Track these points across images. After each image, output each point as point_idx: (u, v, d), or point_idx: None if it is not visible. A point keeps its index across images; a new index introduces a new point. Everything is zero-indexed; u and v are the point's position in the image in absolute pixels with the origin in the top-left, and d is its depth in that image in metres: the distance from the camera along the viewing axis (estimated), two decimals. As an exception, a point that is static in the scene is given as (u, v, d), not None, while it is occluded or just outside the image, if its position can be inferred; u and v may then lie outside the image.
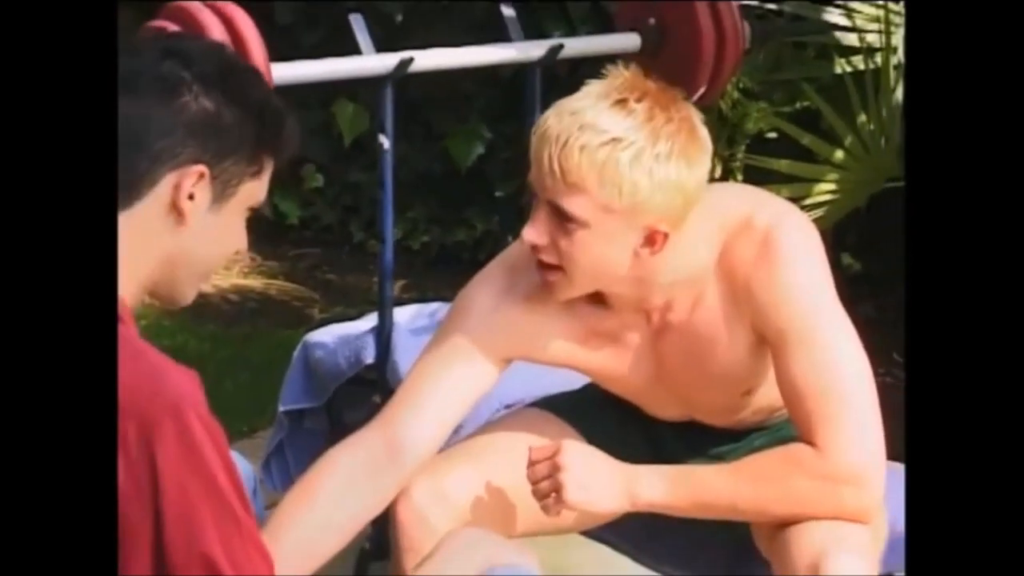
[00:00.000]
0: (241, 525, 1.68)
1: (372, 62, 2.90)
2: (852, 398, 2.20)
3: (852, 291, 4.50)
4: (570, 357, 2.34)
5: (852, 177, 3.97)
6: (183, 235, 1.76)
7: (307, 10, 5.09)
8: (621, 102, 2.09)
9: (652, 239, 2.14)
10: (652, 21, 3.03)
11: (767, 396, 2.34)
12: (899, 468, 2.70)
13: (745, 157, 4.35)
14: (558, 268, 2.17)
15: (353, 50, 2.93)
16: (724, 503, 2.23)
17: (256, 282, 5.16)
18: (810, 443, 2.19)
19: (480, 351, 2.29)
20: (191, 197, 1.74)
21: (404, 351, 2.92)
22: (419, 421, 2.27)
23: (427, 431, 2.27)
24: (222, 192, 1.77)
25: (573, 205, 2.09)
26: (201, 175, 1.74)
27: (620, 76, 2.13)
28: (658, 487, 2.21)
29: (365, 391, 2.98)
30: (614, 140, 2.07)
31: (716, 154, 4.35)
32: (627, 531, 2.48)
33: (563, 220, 2.11)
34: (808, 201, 3.97)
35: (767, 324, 2.23)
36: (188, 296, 1.85)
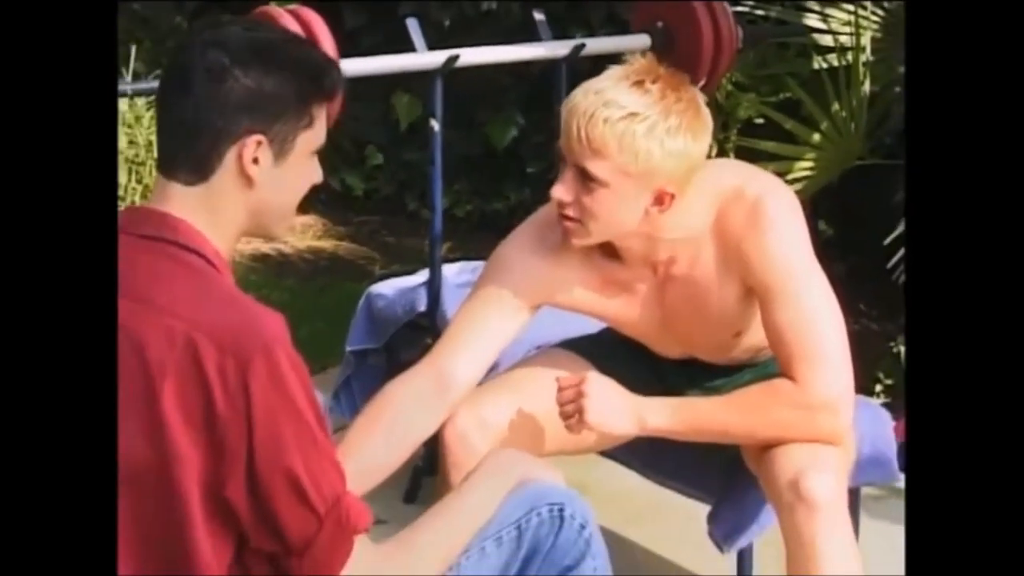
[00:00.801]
0: (319, 445, 1.67)
1: (425, 58, 2.90)
2: (826, 340, 2.19)
3: (826, 252, 4.48)
4: (589, 303, 2.33)
5: (827, 156, 3.95)
6: (257, 192, 1.74)
7: (371, 16, 5.07)
8: (639, 83, 2.09)
9: (660, 199, 2.14)
10: (660, 24, 3.03)
11: (754, 337, 2.33)
12: (865, 400, 2.71)
13: (737, 139, 4.33)
14: (579, 221, 2.17)
15: (408, 49, 2.93)
16: (717, 429, 2.24)
17: (327, 244, 5.16)
18: (791, 378, 2.19)
19: (513, 298, 2.29)
20: (255, 161, 1.71)
21: (450, 301, 2.92)
22: (463, 358, 2.27)
23: (469, 367, 2.27)
24: (281, 149, 1.73)
25: (596, 168, 2.09)
26: (259, 143, 1.71)
27: (638, 62, 2.14)
28: (662, 415, 2.22)
29: (418, 334, 2.99)
30: (632, 114, 2.07)
31: (712, 136, 4.37)
32: (636, 451, 2.49)
33: (587, 180, 2.11)
34: (790, 176, 3.95)
35: (755, 279, 2.22)
36: (282, 232, 1.84)
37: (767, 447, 2.23)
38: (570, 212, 2.16)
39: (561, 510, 1.88)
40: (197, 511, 1.65)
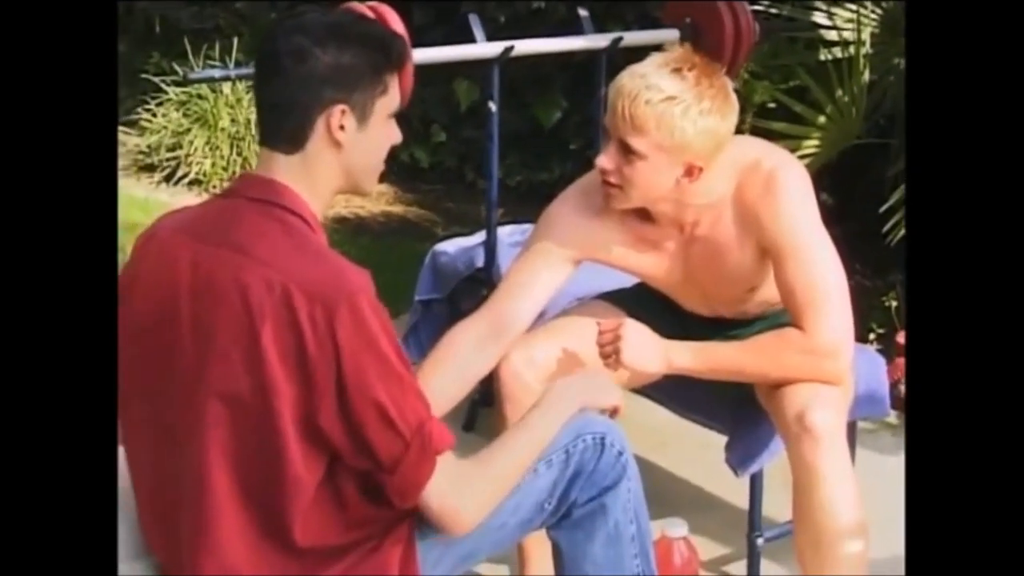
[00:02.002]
0: (402, 378, 1.69)
1: (484, 49, 2.88)
2: (830, 294, 2.18)
3: (825, 218, 4.46)
4: (624, 259, 2.32)
5: (830, 136, 3.92)
6: (345, 154, 1.75)
7: (436, 14, 5.05)
8: (677, 70, 2.08)
9: (690, 171, 2.13)
10: (688, 20, 2.99)
11: (767, 292, 2.31)
12: (861, 347, 2.69)
13: (752, 121, 4.27)
14: (619, 187, 2.16)
15: (469, 41, 2.90)
16: (734, 369, 2.24)
17: (398, 209, 5.16)
18: (799, 327, 2.17)
19: (559, 252, 2.28)
20: (342, 128, 1.73)
21: (504, 258, 2.91)
22: (515, 306, 2.27)
23: (522, 313, 2.27)
24: (363, 114, 1.74)
25: (636, 142, 2.09)
26: (343, 111, 1.72)
27: (677, 51, 2.15)
28: (686, 356, 2.22)
29: (476, 286, 2.98)
30: (670, 97, 2.07)
31: (734, 117, 4.33)
32: (663, 388, 2.47)
33: (628, 153, 2.11)
34: (798, 153, 3.91)
35: (768, 240, 2.20)
36: (370, 186, 1.84)
37: (777, 386, 2.22)
38: (612, 179, 2.16)
39: (603, 438, 1.89)
40: (291, 433, 1.66)
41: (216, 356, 1.68)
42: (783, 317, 2.28)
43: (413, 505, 1.72)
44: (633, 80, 2.09)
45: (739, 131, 4.24)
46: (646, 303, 2.42)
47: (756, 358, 2.21)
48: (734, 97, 2.15)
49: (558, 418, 1.89)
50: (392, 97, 1.78)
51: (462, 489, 1.75)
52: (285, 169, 1.74)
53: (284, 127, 1.73)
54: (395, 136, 1.82)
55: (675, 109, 2.06)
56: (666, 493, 2.81)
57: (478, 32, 2.88)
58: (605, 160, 2.14)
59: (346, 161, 1.76)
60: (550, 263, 2.29)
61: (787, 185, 2.19)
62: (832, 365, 2.19)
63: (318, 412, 1.65)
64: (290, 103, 1.72)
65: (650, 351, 2.20)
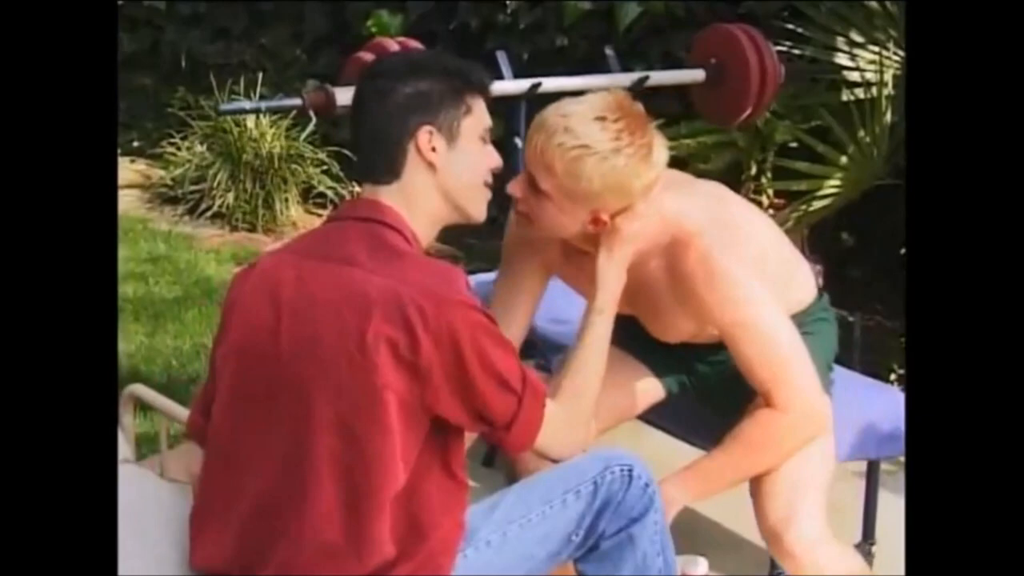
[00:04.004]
0: (507, 344, 1.82)
1: (511, 85, 2.90)
2: (790, 362, 2.12)
3: (846, 258, 4.48)
4: (573, 279, 2.27)
5: (852, 176, 3.93)
6: (441, 176, 1.86)
7: (461, 49, 5.09)
8: (601, 118, 1.97)
9: (596, 221, 2.04)
10: (714, 61, 3.00)
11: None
12: (882, 385, 2.69)
13: (774, 160, 4.31)
14: (526, 215, 2.09)
15: (497, 77, 2.93)
16: (729, 480, 2.18)
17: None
18: (769, 404, 2.12)
19: (528, 269, 2.27)
20: (433, 150, 1.84)
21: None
22: (505, 325, 2.17)
23: (514, 330, 2.23)
24: (450, 135, 1.86)
25: (542, 180, 2.00)
26: (430, 133, 1.84)
27: (610, 97, 2.01)
28: (682, 491, 2.13)
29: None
30: (584, 146, 1.95)
31: (751, 157, 4.36)
32: (681, 421, 2.51)
33: (535, 187, 2.03)
34: (819, 193, 3.94)
35: (713, 323, 2.14)
36: (477, 212, 1.93)
37: (756, 484, 2.19)
38: (520, 207, 2.09)
39: (630, 470, 1.91)
40: (396, 429, 1.74)
41: (319, 361, 1.76)
42: None
43: (529, 450, 1.86)
44: (555, 118, 1.98)
45: (760, 170, 4.36)
46: (634, 332, 2.35)
47: (746, 460, 2.15)
48: (658, 156, 2.01)
49: (606, 327, 2.00)
50: (479, 118, 1.89)
51: (566, 420, 1.89)
52: (387, 194, 1.87)
53: (379, 161, 1.86)
54: (494, 160, 1.92)
55: (587, 159, 1.95)
56: (687, 530, 2.79)
57: (505, 69, 2.91)
58: (515, 187, 2.06)
59: (443, 183, 1.86)
60: (525, 280, 2.27)
61: (726, 269, 2.09)
62: (814, 427, 2.16)
63: (437, 404, 1.75)
64: (380, 137, 1.85)
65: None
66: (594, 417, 2.12)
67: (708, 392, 2.42)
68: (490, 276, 3.14)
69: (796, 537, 2.15)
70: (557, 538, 1.88)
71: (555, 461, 1.95)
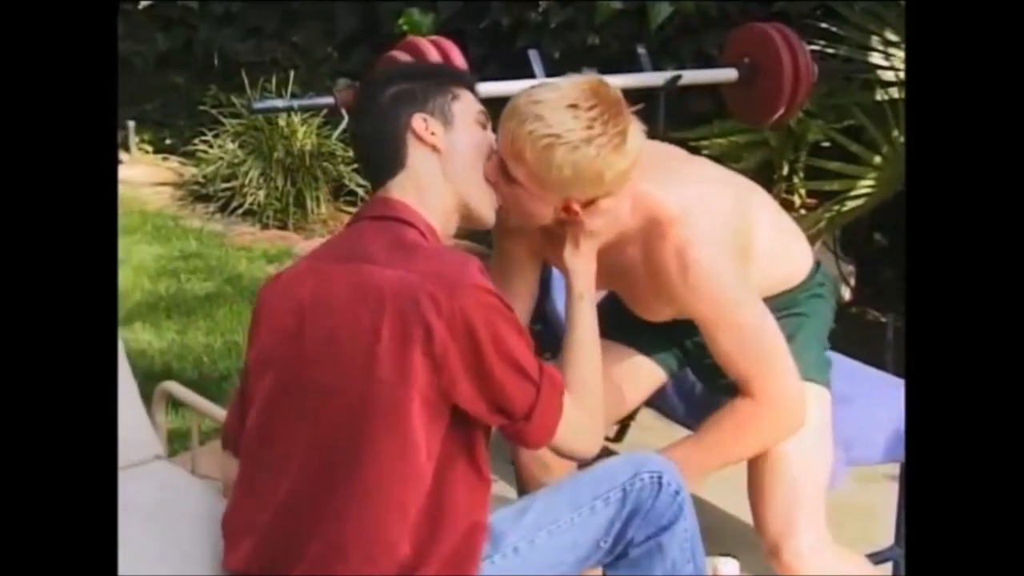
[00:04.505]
0: (524, 331, 1.81)
1: (544, 84, 2.89)
2: (770, 353, 2.08)
3: (879, 259, 4.46)
4: (556, 261, 2.19)
5: (885, 176, 3.91)
6: (447, 157, 1.91)
7: (491, 47, 5.10)
8: (573, 106, 1.90)
9: (568, 209, 1.99)
10: (747, 60, 2.98)
11: None
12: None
13: (807, 159, 4.29)
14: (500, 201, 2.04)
15: (529, 76, 2.93)
16: (702, 468, 2.12)
17: (448, 242, 5.19)
18: (748, 394, 2.09)
19: (519, 253, 2.24)
20: (432, 133, 1.88)
21: (558, 291, 2.92)
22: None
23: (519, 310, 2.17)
24: (444, 118, 1.90)
25: (514, 168, 1.94)
26: (424, 119, 1.88)
27: (584, 84, 1.94)
28: None
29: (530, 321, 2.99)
30: (555, 135, 1.89)
31: (783, 156, 4.34)
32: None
33: (507, 174, 1.98)
34: (852, 193, 3.92)
35: (690, 313, 2.10)
36: (485, 210, 1.95)
37: (751, 493, 2.19)
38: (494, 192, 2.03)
39: (660, 477, 1.89)
40: (417, 419, 1.73)
41: (336, 361, 1.77)
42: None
43: (547, 444, 1.84)
44: (527, 105, 1.92)
45: (793, 171, 4.33)
46: (624, 320, 2.33)
47: (720, 449, 2.12)
48: (632, 144, 1.94)
49: (592, 305, 2.00)
50: (468, 102, 1.94)
51: (580, 412, 1.87)
52: (397, 187, 1.90)
53: (383, 157, 1.90)
54: (489, 141, 1.94)
55: (557, 148, 1.89)
56: (717, 530, 2.79)
57: (538, 67, 2.90)
58: (489, 170, 1.97)
59: (448, 167, 1.90)
60: (514, 265, 2.24)
61: (701, 259, 2.04)
62: (792, 420, 2.13)
63: (454, 391, 1.74)
64: (378, 137, 1.90)
65: None
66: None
67: (706, 368, 2.37)
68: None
69: (795, 549, 2.14)
70: (586, 545, 1.88)
71: (571, 459, 1.93)
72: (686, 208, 2.07)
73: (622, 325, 2.33)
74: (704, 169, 2.27)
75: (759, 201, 2.28)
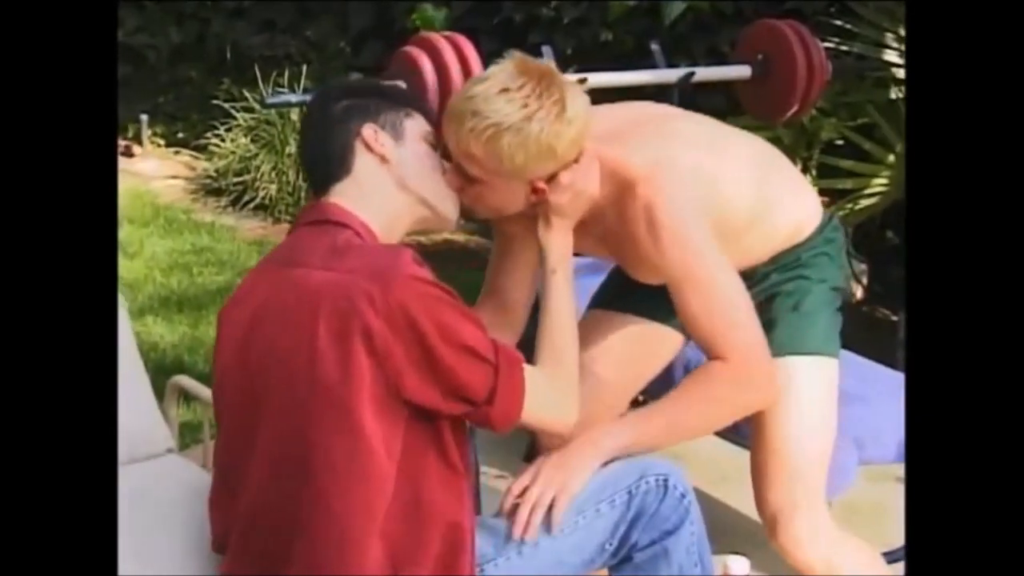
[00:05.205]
0: (469, 314, 1.77)
1: (557, 81, 2.88)
2: (736, 314, 2.02)
3: (892, 258, 4.45)
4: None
5: (899, 175, 3.90)
6: (395, 167, 1.89)
7: (504, 43, 5.09)
8: (504, 91, 1.89)
9: (535, 191, 1.98)
10: (760, 57, 2.98)
11: None
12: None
13: (820, 157, 4.28)
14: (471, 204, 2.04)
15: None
16: (674, 431, 2.06)
17: (460, 238, 5.22)
18: (717, 357, 2.02)
19: (514, 232, 2.19)
20: (382, 144, 1.88)
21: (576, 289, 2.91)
22: (514, 286, 2.20)
23: (520, 298, 2.20)
24: (395, 131, 1.90)
25: (469, 168, 1.94)
26: (375, 130, 1.88)
27: (510, 66, 1.93)
28: (620, 437, 1.99)
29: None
30: (495, 124, 1.88)
31: (796, 154, 4.33)
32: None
33: (466, 175, 1.96)
34: (866, 191, 3.91)
35: (662, 274, 2.06)
36: (445, 209, 1.94)
37: (752, 473, 2.18)
38: (462, 197, 2.03)
39: (666, 480, 1.88)
40: (368, 418, 1.70)
41: (277, 369, 1.75)
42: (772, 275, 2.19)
43: (516, 425, 1.80)
44: (461, 103, 1.92)
45: (806, 168, 4.33)
46: (627, 291, 2.31)
47: (685, 414, 2.03)
48: (574, 110, 1.92)
49: (567, 279, 1.97)
50: (419, 122, 1.94)
51: (551, 385, 1.84)
52: (337, 193, 1.88)
53: (329, 164, 1.88)
54: (440, 164, 1.93)
55: (502, 136, 1.88)
56: (727, 528, 2.80)
57: (551, 63, 2.89)
58: (451, 179, 1.98)
59: (398, 175, 1.89)
60: (520, 242, 2.19)
61: (667, 220, 2.01)
62: (759, 388, 2.06)
63: (402, 386, 1.70)
64: (327, 146, 1.89)
65: (580, 465, 1.94)
66: (602, 386, 2.12)
67: None
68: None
69: (794, 535, 2.13)
70: (591, 547, 1.87)
71: (545, 435, 1.90)
72: (652, 168, 2.04)
73: (628, 295, 2.31)
74: (681, 125, 2.22)
75: (751, 154, 2.24)
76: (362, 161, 1.87)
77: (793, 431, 2.15)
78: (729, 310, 2.02)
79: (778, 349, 2.13)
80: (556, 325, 1.92)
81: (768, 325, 2.15)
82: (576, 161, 1.97)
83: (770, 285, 2.23)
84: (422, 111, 1.97)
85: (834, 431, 2.21)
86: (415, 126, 1.92)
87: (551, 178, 1.97)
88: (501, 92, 1.89)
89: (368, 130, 1.87)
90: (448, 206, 1.93)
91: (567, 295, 1.96)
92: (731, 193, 2.13)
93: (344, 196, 1.86)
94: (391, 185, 1.88)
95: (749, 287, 2.15)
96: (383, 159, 1.87)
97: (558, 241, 2.02)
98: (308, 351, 1.71)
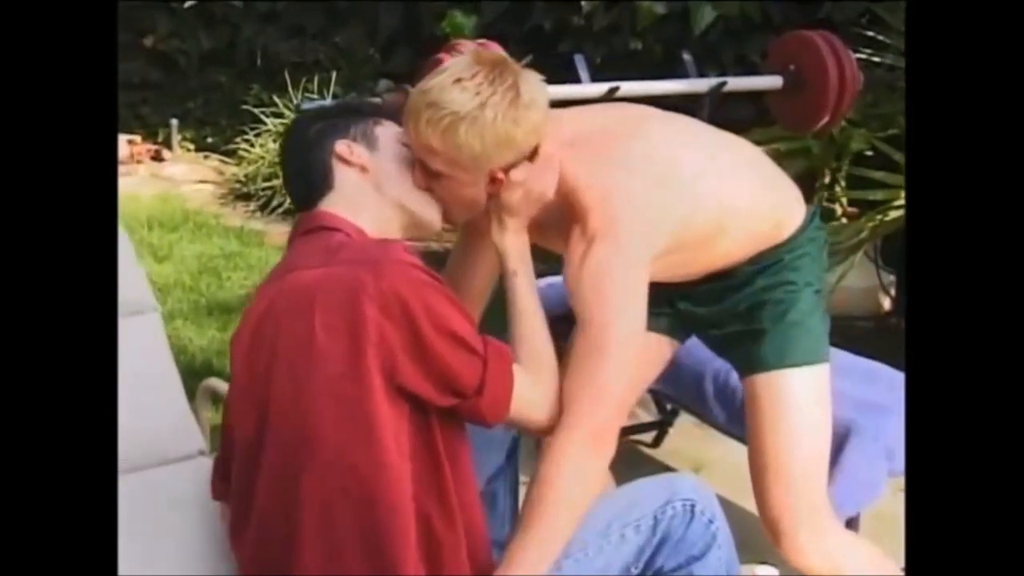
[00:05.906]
0: (458, 304, 1.78)
1: (590, 89, 2.89)
2: (608, 395, 1.90)
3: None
4: (542, 240, 2.14)
5: (928, 186, 3.88)
6: (374, 174, 1.93)
7: (534, 51, 5.11)
8: (458, 81, 1.89)
9: (493, 180, 1.96)
10: (792, 68, 2.98)
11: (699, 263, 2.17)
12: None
13: (849, 168, 4.27)
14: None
15: (574, 80, 2.94)
16: (560, 526, 1.86)
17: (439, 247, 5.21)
18: (567, 419, 1.88)
19: (477, 243, 2.21)
20: (358, 156, 1.92)
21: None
22: (469, 283, 2.22)
23: (476, 289, 2.22)
24: (368, 141, 1.94)
25: (431, 162, 1.94)
26: (347, 144, 1.93)
27: (465, 58, 1.94)
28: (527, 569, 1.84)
29: (569, 326, 2.99)
30: (451, 113, 1.87)
31: (826, 164, 4.32)
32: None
33: (429, 172, 1.95)
34: (896, 203, 3.90)
35: (573, 298, 1.97)
36: (429, 215, 1.95)
37: (752, 481, 2.16)
38: (433, 197, 2.00)
39: (692, 505, 1.87)
40: (380, 404, 1.71)
41: (280, 374, 1.75)
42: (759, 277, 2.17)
43: (506, 418, 1.79)
44: (418, 98, 1.92)
45: (834, 180, 4.32)
46: None
47: (553, 501, 1.85)
48: (529, 98, 1.90)
49: (528, 279, 1.95)
50: (390, 127, 1.97)
51: (534, 382, 1.83)
52: (325, 204, 1.92)
53: (311, 183, 1.93)
54: (416, 176, 1.94)
55: (458, 126, 1.88)
56: (755, 538, 2.80)
57: (583, 72, 2.91)
58: (417, 178, 1.97)
59: (378, 182, 1.92)
60: (474, 247, 2.21)
61: (601, 268, 1.93)
62: (602, 462, 1.90)
63: (396, 371, 1.70)
64: (306, 166, 1.94)
65: None
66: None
67: (711, 339, 2.33)
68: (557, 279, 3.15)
69: (797, 546, 2.12)
70: (616, 570, 1.85)
71: (528, 433, 1.87)
72: (604, 202, 1.98)
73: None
74: (655, 127, 2.17)
75: (730, 152, 2.21)
76: (342, 175, 1.92)
77: (787, 440, 2.14)
78: (604, 382, 1.90)
79: (769, 362, 2.14)
80: (528, 327, 1.90)
81: (757, 336, 2.16)
82: (531, 160, 1.97)
83: (755, 291, 2.20)
84: (392, 118, 1.99)
85: (829, 434, 2.20)
86: (386, 131, 1.96)
87: (509, 169, 1.96)
88: (455, 83, 1.89)
89: (341, 145, 1.92)
90: (428, 210, 1.95)
91: (532, 295, 1.94)
92: (707, 191, 2.09)
93: (333, 207, 1.90)
94: (372, 192, 1.92)
95: (733, 290, 2.18)
96: (362, 168, 1.92)
97: (512, 242, 2.00)
98: (307, 348, 1.71)
